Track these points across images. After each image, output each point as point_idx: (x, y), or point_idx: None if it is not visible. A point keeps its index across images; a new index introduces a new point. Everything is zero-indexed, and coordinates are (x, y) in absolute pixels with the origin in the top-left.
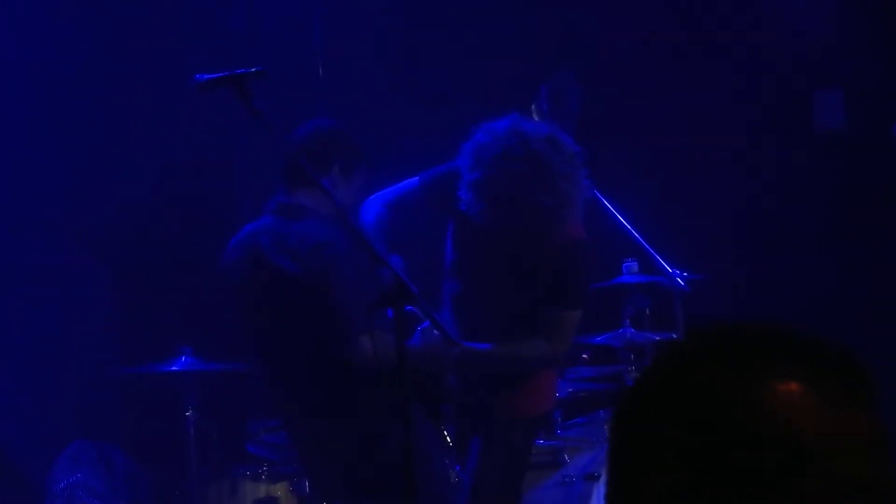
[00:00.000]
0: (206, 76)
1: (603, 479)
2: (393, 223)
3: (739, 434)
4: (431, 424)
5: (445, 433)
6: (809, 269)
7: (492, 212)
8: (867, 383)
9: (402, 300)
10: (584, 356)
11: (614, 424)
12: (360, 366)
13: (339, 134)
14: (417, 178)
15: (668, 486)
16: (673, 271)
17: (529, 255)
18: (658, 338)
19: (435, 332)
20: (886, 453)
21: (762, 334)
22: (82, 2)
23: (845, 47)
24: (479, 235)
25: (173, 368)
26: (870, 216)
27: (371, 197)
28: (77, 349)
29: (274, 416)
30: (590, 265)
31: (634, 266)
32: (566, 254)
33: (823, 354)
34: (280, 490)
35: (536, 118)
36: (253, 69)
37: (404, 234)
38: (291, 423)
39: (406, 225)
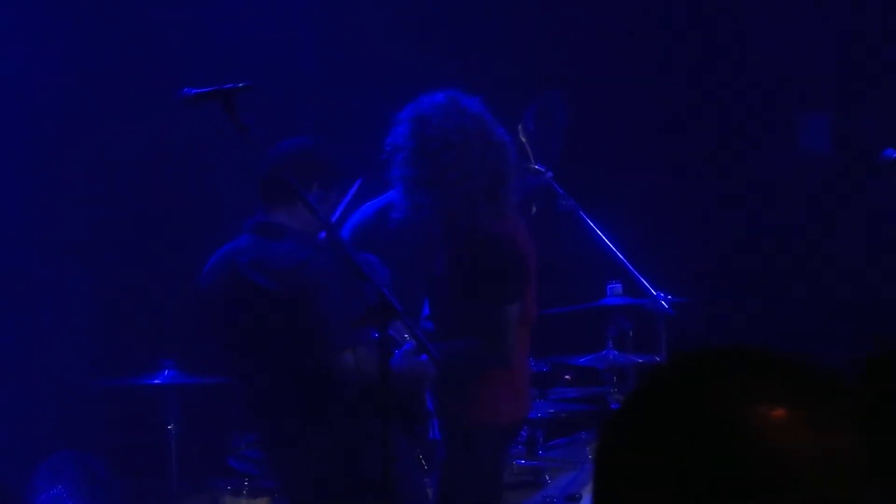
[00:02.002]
0: (193, 90)
1: (585, 500)
2: (380, 229)
3: (724, 456)
4: (407, 441)
5: (419, 453)
6: (793, 293)
7: (414, 197)
8: (852, 406)
9: (385, 317)
10: (567, 377)
11: (599, 446)
12: (340, 382)
13: (319, 152)
14: (368, 203)
15: None
16: (657, 294)
17: (458, 245)
18: (641, 360)
19: (414, 352)
20: (870, 476)
21: (747, 356)
22: (71, 12)
23: (833, 70)
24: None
25: (155, 381)
26: (855, 242)
27: (363, 206)
28: (60, 361)
29: (254, 430)
30: (512, 260)
31: (618, 288)
32: (488, 247)
33: (809, 377)
34: None
35: (523, 138)
36: (240, 84)
37: (393, 243)
38: (268, 440)
39: (395, 234)
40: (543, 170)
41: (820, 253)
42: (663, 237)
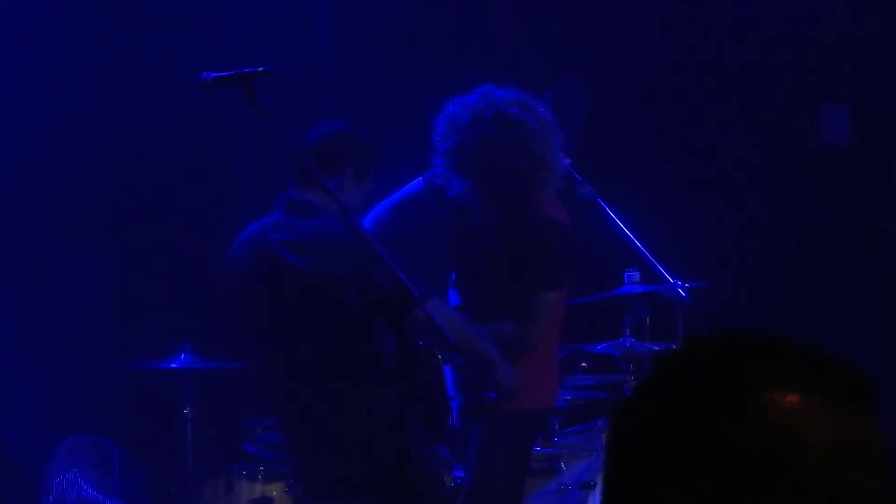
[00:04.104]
0: (213, 74)
1: (598, 487)
2: (401, 225)
3: (739, 443)
4: (425, 431)
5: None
6: (810, 280)
7: (468, 181)
8: (867, 393)
9: (402, 302)
10: (584, 364)
11: (612, 433)
12: (376, 360)
13: (356, 138)
14: (421, 178)
15: (667, 496)
16: (674, 282)
17: (508, 227)
18: (658, 348)
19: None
20: (887, 463)
21: (761, 344)
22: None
23: (853, 62)
24: (460, 215)
25: (172, 366)
26: (872, 230)
27: (379, 203)
28: (76, 344)
29: (270, 415)
30: (567, 248)
31: (636, 276)
32: (541, 231)
33: (823, 364)
34: (275, 490)
35: None
36: (260, 68)
37: (414, 235)
38: (286, 422)
39: (416, 226)
40: (561, 157)
41: (839, 240)
42: (681, 224)
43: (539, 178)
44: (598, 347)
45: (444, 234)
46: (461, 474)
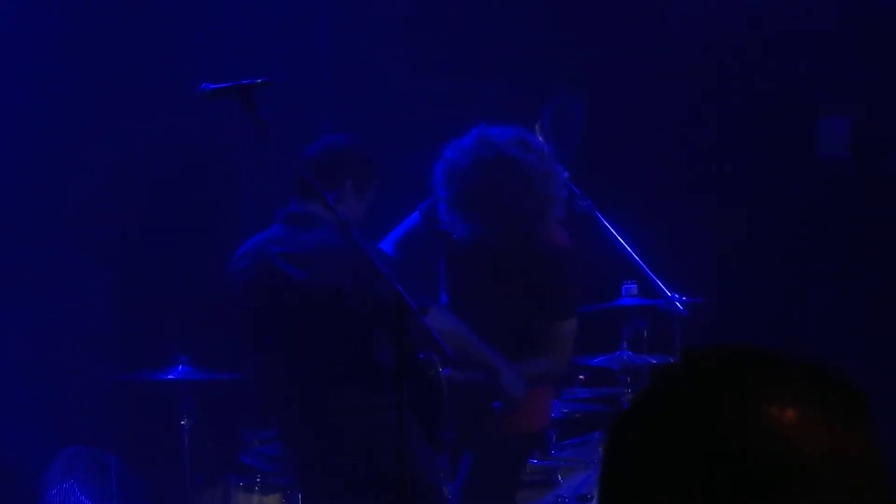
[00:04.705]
0: (212, 85)
1: (595, 501)
2: (404, 263)
3: (737, 454)
4: (426, 444)
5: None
6: (809, 294)
7: (474, 225)
8: (864, 406)
9: (401, 316)
10: (581, 377)
11: (609, 443)
12: (376, 371)
13: (355, 151)
14: (417, 211)
15: None
16: (672, 295)
17: (516, 266)
18: (655, 361)
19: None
20: (885, 475)
21: (759, 356)
22: (87, 7)
23: (852, 75)
24: (466, 256)
25: (170, 377)
26: (871, 244)
27: (379, 244)
28: (74, 354)
29: (269, 426)
30: (577, 273)
31: (633, 288)
32: (552, 262)
33: (820, 376)
34: (272, 501)
35: (540, 137)
36: (259, 80)
37: (419, 270)
38: (288, 432)
39: (417, 260)
40: (560, 170)
41: (837, 254)
42: (679, 238)
43: (544, 213)
44: (596, 360)
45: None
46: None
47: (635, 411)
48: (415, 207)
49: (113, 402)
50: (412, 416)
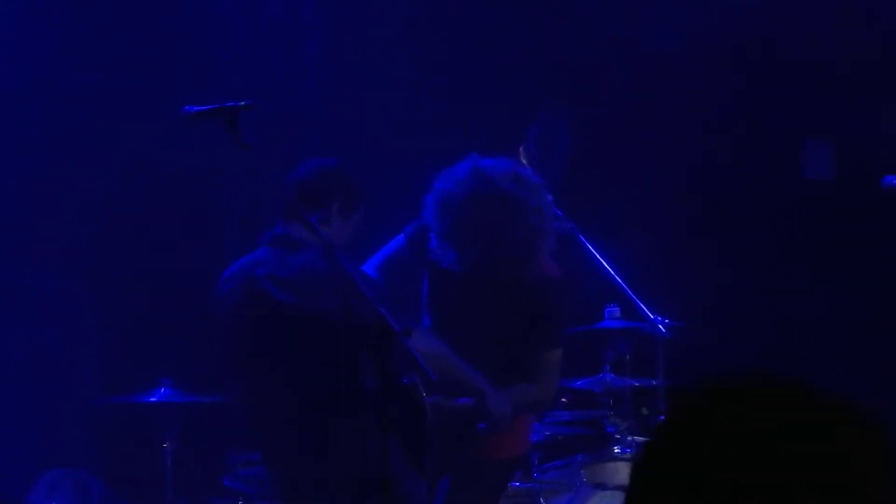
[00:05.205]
0: (195, 108)
1: None
2: (388, 286)
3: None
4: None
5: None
6: (793, 316)
7: (465, 256)
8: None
9: (383, 338)
10: (564, 400)
11: (633, 485)
12: (360, 394)
13: (342, 173)
14: (403, 234)
15: None
16: (655, 318)
17: (506, 296)
18: (638, 384)
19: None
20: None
21: (778, 389)
22: (73, 28)
23: (836, 97)
24: (454, 285)
25: (152, 399)
26: (856, 266)
27: (363, 266)
28: (56, 377)
29: (251, 449)
30: (566, 303)
31: (616, 311)
32: (542, 293)
33: (843, 412)
34: None
35: (525, 161)
36: (242, 102)
37: (402, 293)
38: (272, 456)
39: (401, 283)
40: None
41: (822, 276)
42: (662, 261)
43: (535, 246)
44: (578, 383)
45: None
46: None
47: (661, 445)
48: (400, 230)
49: (95, 424)
50: (396, 439)
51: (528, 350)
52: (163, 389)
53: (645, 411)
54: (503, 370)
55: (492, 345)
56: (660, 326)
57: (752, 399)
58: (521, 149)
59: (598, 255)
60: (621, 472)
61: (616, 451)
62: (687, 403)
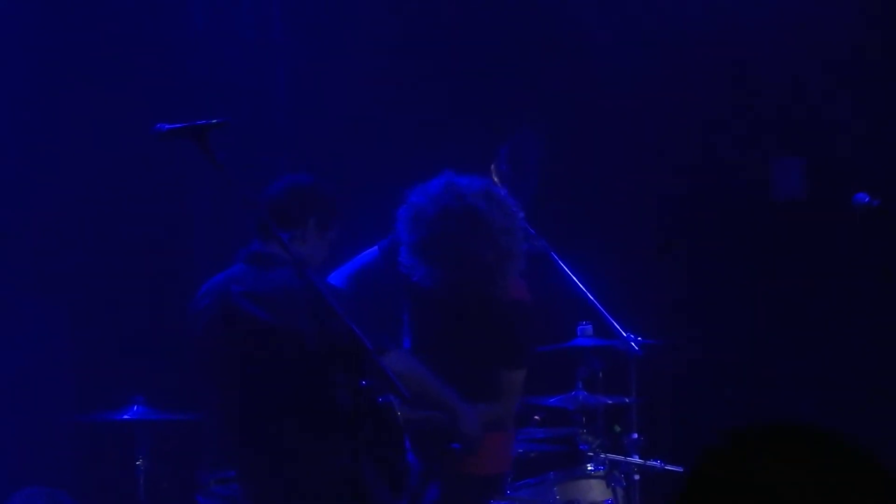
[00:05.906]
0: (166, 126)
1: None
2: (358, 297)
3: None
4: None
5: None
6: (766, 335)
7: (435, 272)
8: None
9: (355, 355)
10: (536, 417)
11: None
12: (334, 413)
13: (317, 190)
14: (376, 247)
15: None
16: (627, 335)
17: (472, 316)
18: (610, 401)
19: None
20: None
21: (808, 438)
22: (48, 44)
23: (806, 115)
24: (425, 300)
25: (125, 417)
26: (828, 284)
27: (333, 272)
28: (29, 394)
29: (226, 467)
30: (533, 326)
31: (589, 329)
32: (509, 314)
33: (869, 463)
34: None
35: (496, 179)
36: (214, 120)
37: (370, 305)
38: (246, 473)
39: (371, 296)
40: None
41: (795, 295)
42: (634, 279)
43: (504, 267)
44: (551, 400)
45: (401, 305)
46: None
47: (695, 490)
48: (373, 244)
49: (69, 442)
50: (370, 457)
51: (491, 369)
52: (136, 407)
53: (618, 429)
54: (466, 387)
55: (457, 361)
56: (632, 344)
57: (778, 451)
58: (492, 167)
59: (570, 273)
60: (594, 489)
61: (589, 468)
62: (717, 456)
